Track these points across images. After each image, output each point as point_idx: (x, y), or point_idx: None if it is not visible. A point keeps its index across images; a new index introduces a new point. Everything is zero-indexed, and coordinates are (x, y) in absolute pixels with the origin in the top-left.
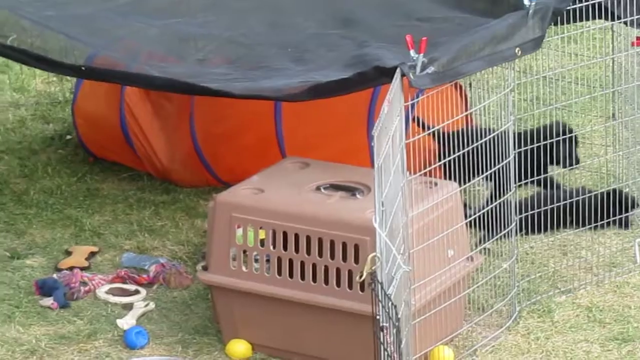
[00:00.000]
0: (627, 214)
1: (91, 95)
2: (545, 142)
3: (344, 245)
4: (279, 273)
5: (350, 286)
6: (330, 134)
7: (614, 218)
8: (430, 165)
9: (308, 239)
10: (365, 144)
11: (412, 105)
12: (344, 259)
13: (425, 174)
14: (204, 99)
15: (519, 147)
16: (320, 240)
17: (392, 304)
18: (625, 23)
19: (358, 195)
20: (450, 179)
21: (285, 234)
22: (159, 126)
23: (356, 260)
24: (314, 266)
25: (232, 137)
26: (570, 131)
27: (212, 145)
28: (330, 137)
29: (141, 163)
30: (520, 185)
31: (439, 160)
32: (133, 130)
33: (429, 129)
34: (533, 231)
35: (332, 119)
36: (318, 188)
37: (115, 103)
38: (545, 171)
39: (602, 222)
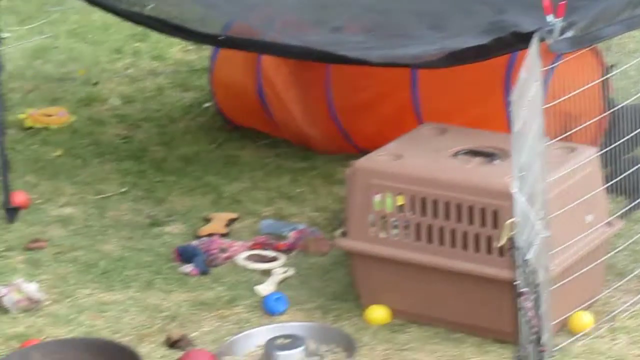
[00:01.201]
0: None
1: (228, 63)
2: None
3: (483, 210)
4: (418, 239)
5: (489, 252)
6: (466, 101)
7: None
8: (568, 130)
9: (446, 204)
10: (501, 111)
11: (550, 70)
12: (483, 224)
13: (563, 139)
14: (340, 68)
15: None
16: (458, 206)
17: (531, 269)
18: None
19: (496, 161)
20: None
21: (423, 200)
22: (296, 94)
23: (494, 226)
24: (453, 232)
25: (369, 107)
26: None
27: (349, 113)
28: (466, 105)
29: (279, 130)
30: None
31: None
32: (270, 97)
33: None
34: None
35: (468, 86)
36: (456, 154)
37: (252, 71)
38: None
39: None
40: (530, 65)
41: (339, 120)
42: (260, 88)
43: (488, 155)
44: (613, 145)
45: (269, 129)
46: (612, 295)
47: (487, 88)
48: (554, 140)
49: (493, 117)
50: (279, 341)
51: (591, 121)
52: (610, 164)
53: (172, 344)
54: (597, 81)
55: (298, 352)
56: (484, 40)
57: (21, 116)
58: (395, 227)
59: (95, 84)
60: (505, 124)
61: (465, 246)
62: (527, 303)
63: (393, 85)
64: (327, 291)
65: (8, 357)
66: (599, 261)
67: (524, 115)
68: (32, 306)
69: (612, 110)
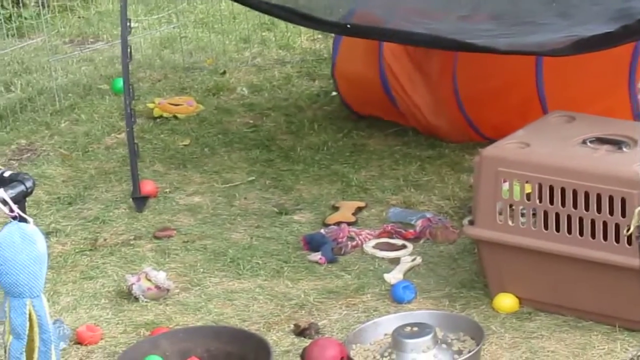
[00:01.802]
0: None
1: (349, 55)
2: None
3: (611, 198)
4: (545, 227)
5: (617, 240)
6: (592, 92)
7: None
8: None
9: (574, 192)
10: (626, 102)
11: None
12: (611, 212)
13: None
14: (466, 58)
15: None
16: (586, 194)
17: None
18: None
19: (624, 149)
20: None
21: (551, 188)
22: (421, 83)
23: (623, 214)
24: (580, 220)
25: (495, 97)
26: None
27: (475, 103)
28: (591, 96)
29: (405, 119)
30: None
31: None
32: (394, 87)
33: None
34: None
35: (593, 78)
36: (584, 142)
37: (374, 61)
38: None
39: None
40: None
41: (464, 109)
42: (384, 79)
43: (616, 143)
44: None
45: (395, 118)
46: None
47: (611, 79)
48: None
49: (618, 108)
50: (407, 329)
51: None
52: None
53: (301, 332)
54: None
55: (426, 340)
56: (611, 27)
57: (150, 105)
58: (523, 215)
59: (223, 73)
60: (630, 115)
61: (593, 234)
62: None
63: (519, 75)
64: (454, 279)
65: (137, 344)
66: None
67: None
68: (161, 294)
69: None
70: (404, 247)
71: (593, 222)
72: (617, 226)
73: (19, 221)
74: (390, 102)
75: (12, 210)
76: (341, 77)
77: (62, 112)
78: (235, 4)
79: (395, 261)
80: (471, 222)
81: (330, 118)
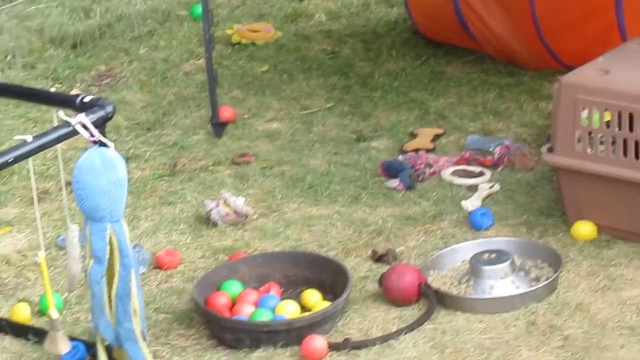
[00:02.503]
0: None
1: None
2: None
3: None
4: (624, 154)
5: None
6: None
7: None
8: None
9: None
10: None
11: None
12: None
13: None
14: None
15: None
16: None
17: None
18: None
19: None
20: None
21: (630, 115)
22: (497, 9)
23: None
24: None
25: (573, 26)
26: None
27: (553, 32)
28: None
29: (482, 46)
30: None
31: None
32: (467, 15)
33: None
34: None
35: None
36: None
37: None
38: None
39: None
40: None
41: (543, 38)
42: (457, 6)
43: None
44: None
45: (471, 45)
46: None
47: None
48: None
49: None
50: (485, 256)
51: None
52: None
53: (378, 258)
54: None
55: (504, 266)
56: None
57: (228, 32)
58: (602, 143)
59: (302, 0)
60: None
61: None
62: None
63: (598, 4)
64: (532, 207)
65: (216, 269)
66: None
67: None
68: (239, 220)
69: None
70: (481, 174)
71: None
72: None
73: (100, 146)
74: (464, 30)
75: (92, 135)
76: (414, 6)
77: (141, 38)
78: None
79: (473, 188)
80: (550, 150)
81: (407, 45)
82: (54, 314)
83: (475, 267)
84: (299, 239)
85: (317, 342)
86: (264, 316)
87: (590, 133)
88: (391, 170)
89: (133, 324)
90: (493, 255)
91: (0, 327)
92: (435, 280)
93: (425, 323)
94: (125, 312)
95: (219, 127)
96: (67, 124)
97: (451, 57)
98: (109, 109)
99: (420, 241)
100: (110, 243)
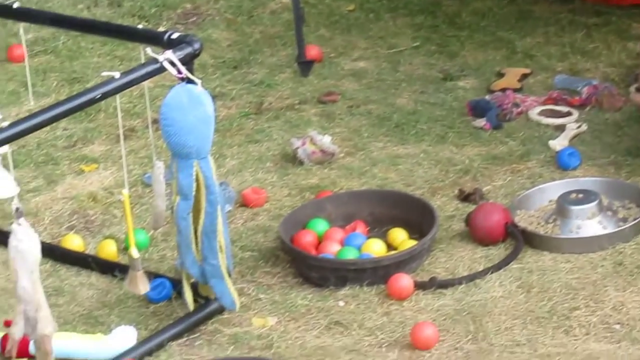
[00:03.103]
0: None
1: None
2: None
3: None
4: None
5: None
6: None
7: None
8: None
9: None
10: None
11: None
12: None
13: None
14: None
15: None
16: None
17: None
18: None
19: None
20: None
21: None
22: None
23: None
24: None
25: None
26: None
27: None
28: None
29: None
30: None
31: None
32: None
33: None
34: None
35: None
36: None
37: None
38: None
39: None
40: None
41: None
42: None
43: None
44: None
45: None
46: None
47: None
48: None
49: None
50: (572, 196)
51: None
52: None
53: (465, 197)
54: None
55: (591, 206)
56: None
57: None
58: None
59: None
60: None
61: None
62: None
63: None
64: (620, 147)
65: (302, 207)
66: None
67: None
68: (326, 158)
69: None
70: (569, 114)
71: None
72: None
73: (187, 83)
74: None
75: (180, 72)
76: None
77: None
78: None
79: (561, 128)
80: (638, 90)
81: None
82: (134, 253)
83: (562, 207)
84: (385, 177)
85: (404, 280)
86: (350, 254)
87: None
88: (478, 109)
89: (219, 260)
90: (580, 195)
91: (87, 264)
92: (522, 219)
93: (512, 263)
94: (212, 248)
95: (305, 65)
96: (155, 60)
97: None
98: (197, 45)
99: (507, 181)
100: (197, 180)
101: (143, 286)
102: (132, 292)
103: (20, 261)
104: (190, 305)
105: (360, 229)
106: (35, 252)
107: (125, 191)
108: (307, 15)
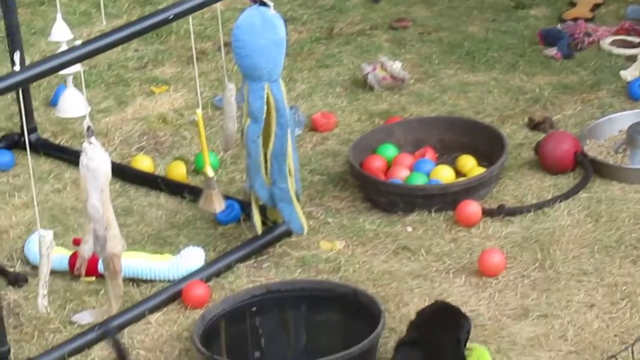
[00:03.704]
0: None
1: None
2: None
3: None
4: None
5: None
6: None
7: None
8: None
9: None
10: None
11: None
12: None
13: None
14: None
15: None
16: None
17: None
18: None
19: None
20: None
21: None
22: None
23: None
24: None
25: None
26: None
27: None
28: None
29: None
30: None
31: None
32: None
33: None
34: None
35: None
36: None
37: None
38: None
39: None
40: None
41: None
42: None
43: None
44: None
45: None
46: None
47: None
48: None
49: None
50: None
51: None
52: None
53: (535, 125)
54: None
55: None
56: None
57: None
58: None
59: None
60: None
61: None
62: None
63: None
64: None
65: (372, 132)
66: None
67: None
68: (396, 84)
69: None
70: None
71: None
72: None
73: (260, 5)
74: None
75: None
76: None
77: None
78: None
79: (632, 58)
80: None
81: None
82: (209, 172)
83: (632, 137)
84: (455, 104)
85: (472, 207)
86: (419, 180)
87: None
88: (549, 38)
89: (288, 184)
90: None
91: (156, 185)
92: (592, 149)
93: (581, 192)
94: (281, 172)
95: None
96: None
97: None
98: None
99: (577, 110)
100: (268, 102)
101: (218, 204)
102: (206, 211)
103: (91, 179)
104: (259, 228)
105: (429, 155)
106: (105, 170)
107: (199, 111)
108: None
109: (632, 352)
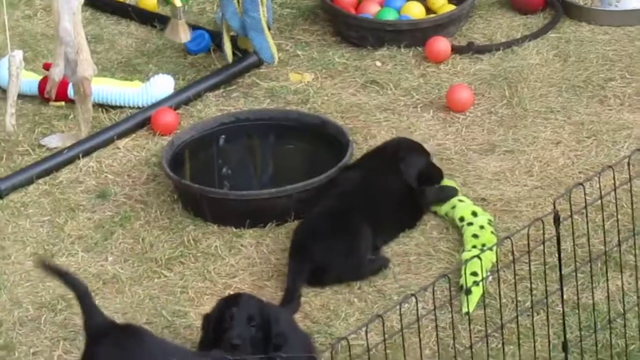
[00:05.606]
0: None
1: None
2: None
3: None
4: None
5: None
6: None
7: None
8: None
9: None
10: None
11: None
12: None
13: None
14: None
15: None
16: None
17: None
18: None
19: None
20: None
21: None
22: None
23: None
24: None
25: None
26: None
27: None
28: None
29: None
30: None
31: None
32: None
33: None
34: None
35: None
36: None
37: None
38: None
39: None
40: None
41: None
42: None
43: None
44: None
45: None
46: None
47: None
48: None
49: None
50: None
51: None
52: None
53: None
54: None
55: None
56: None
57: None
58: None
59: None
60: None
61: None
62: None
63: None
64: None
65: None
66: None
67: None
68: None
69: None
70: None
71: None
72: None
73: None
74: None
75: None
76: None
77: None
78: None
79: None
80: None
81: None
82: (177, 1)
83: None
84: None
85: (441, 43)
86: (389, 15)
87: None
88: None
89: (260, 13)
90: None
91: (126, 13)
92: None
93: (550, 32)
94: (253, 1)
95: None
96: None
97: None
98: None
99: None
100: None
101: (184, 35)
102: (172, 41)
103: (63, 1)
104: (229, 56)
105: None
106: None
107: None
108: None
109: (600, 181)
